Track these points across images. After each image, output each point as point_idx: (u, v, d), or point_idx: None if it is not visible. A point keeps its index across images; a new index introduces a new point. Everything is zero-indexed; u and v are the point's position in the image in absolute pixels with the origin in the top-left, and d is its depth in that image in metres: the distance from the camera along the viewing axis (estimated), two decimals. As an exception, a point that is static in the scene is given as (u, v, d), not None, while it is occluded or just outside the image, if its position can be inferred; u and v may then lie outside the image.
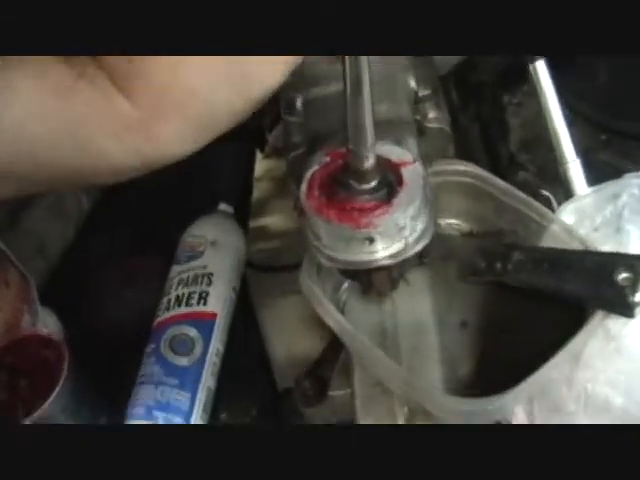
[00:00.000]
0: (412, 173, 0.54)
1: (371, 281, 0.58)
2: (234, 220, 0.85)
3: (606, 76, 0.79)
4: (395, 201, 0.52)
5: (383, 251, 0.53)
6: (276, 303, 0.90)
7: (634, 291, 0.53)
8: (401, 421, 0.59)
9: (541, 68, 0.69)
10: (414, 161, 0.55)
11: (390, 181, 0.53)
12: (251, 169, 0.99)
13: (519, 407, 0.61)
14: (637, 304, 0.53)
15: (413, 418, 0.59)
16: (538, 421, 0.60)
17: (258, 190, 1.05)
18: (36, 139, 0.52)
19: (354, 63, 0.46)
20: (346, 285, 0.66)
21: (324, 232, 0.53)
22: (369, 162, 0.51)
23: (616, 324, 0.57)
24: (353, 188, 0.53)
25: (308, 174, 0.56)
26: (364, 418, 0.61)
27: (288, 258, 0.91)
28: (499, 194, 0.65)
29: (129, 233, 0.91)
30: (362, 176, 0.52)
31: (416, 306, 0.65)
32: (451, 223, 0.69)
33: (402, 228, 0.52)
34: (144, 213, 0.91)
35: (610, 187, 0.63)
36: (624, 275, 0.54)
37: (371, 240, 0.52)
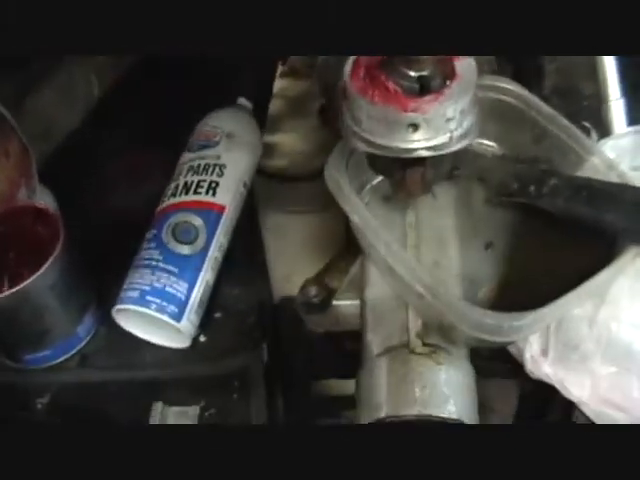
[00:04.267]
0: (466, 68, 0.51)
1: (404, 178, 0.54)
2: (252, 116, 0.81)
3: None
4: (447, 91, 0.49)
5: (425, 141, 0.50)
6: (280, 221, 0.87)
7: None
8: (413, 336, 0.56)
9: None
10: (468, 57, 0.51)
11: (441, 73, 0.50)
12: (273, 70, 0.95)
13: (535, 337, 0.58)
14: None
15: (426, 334, 0.56)
16: (551, 356, 0.58)
17: (272, 107, 1.01)
18: None
19: None
20: (369, 187, 0.63)
21: (366, 115, 0.50)
22: None
23: (647, 264, 0.54)
24: (403, 73, 0.49)
25: (352, 57, 0.52)
26: (376, 330, 0.59)
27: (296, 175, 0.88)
28: (542, 119, 0.62)
29: (141, 124, 0.87)
30: (415, 61, 0.49)
31: (440, 221, 0.63)
32: (484, 144, 0.66)
33: (449, 120, 0.49)
34: (158, 105, 0.87)
35: (656, 126, 0.60)
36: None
37: (415, 127, 0.49)
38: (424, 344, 0.56)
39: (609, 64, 0.65)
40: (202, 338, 0.71)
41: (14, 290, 0.61)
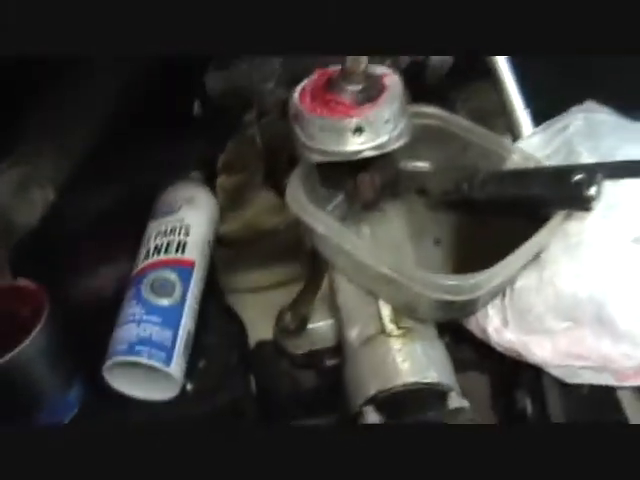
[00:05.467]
0: (392, 81, 0.61)
1: (356, 185, 0.63)
2: (206, 185, 0.90)
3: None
4: (381, 98, 0.59)
5: (370, 142, 0.59)
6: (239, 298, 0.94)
7: (589, 186, 0.60)
8: (387, 322, 0.63)
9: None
10: (393, 73, 0.62)
11: (373, 87, 0.60)
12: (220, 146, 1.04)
13: (493, 312, 0.65)
14: (592, 197, 0.60)
15: (398, 319, 0.63)
16: (511, 325, 0.65)
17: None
18: None
19: None
20: (329, 208, 0.71)
21: (318, 129, 0.59)
22: (363, 65, 0.58)
23: (574, 225, 0.63)
24: (344, 89, 0.59)
25: (299, 87, 0.62)
26: (353, 324, 0.65)
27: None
28: (462, 132, 0.72)
29: (100, 210, 0.93)
30: (353, 78, 0.59)
31: (391, 229, 0.70)
32: (417, 165, 0.75)
33: (387, 122, 0.59)
34: (119, 184, 0.94)
35: (557, 123, 0.71)
36: (579, 176, 0.61)
37: (360, 131, 0.58)
38: (398, 327, 0.62)
39: (509, 80, 0.76)
40: (189, 386, 0.75)
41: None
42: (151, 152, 0.94)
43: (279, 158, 0.86)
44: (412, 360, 0.60)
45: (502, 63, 0.76)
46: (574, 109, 0.70)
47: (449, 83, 1.00)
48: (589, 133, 0.67)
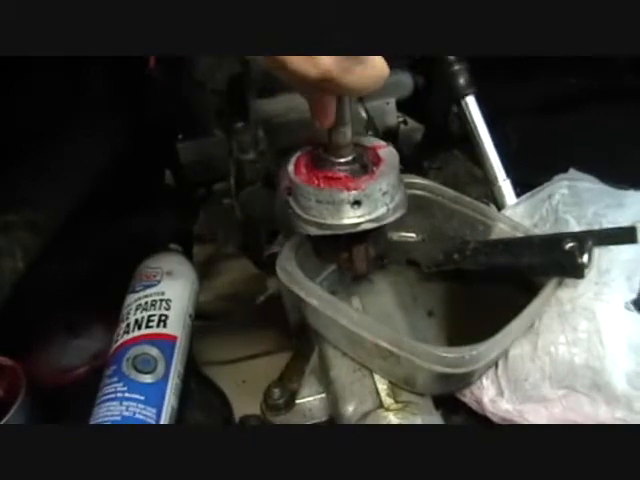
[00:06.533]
0: (387, 153, 0.61)
1: (351, 257, 0.62)
2: (185, 256, 0.88)
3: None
4: (378, 171, 0.59)
5: (368, 215, 0.58)
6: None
7: (581, 254, 0.61)
8: (384, 396, 0.62)
9: (471, 101, 0.80)
10: (387, 145, 0.62)
11: (368, 159, 0.60)
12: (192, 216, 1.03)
13: (488, 383, 0.65)
14: (585, 264, 0.61)
15: (395, 393, 0.62)
16: (506, 395, 0.64)
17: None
18: None
19: None
20: (318, 280, 0.70)
21: (314, 200, 0.58)
22: (347, 137, 0.58)
23: (566, 292, 0.64)
24: (335, 162, 0.59)
25: (293, 158, 0.62)
26: (349, 400, 0.64)
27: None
28: (448, 202, 0.72)
29: (72, 283, 0.91)
30: (341, 151, 0.59)
31: (382, 300, 0.70)
32: (403, 235, 0.75)
33: (385, 194, 0.58)
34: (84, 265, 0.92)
35: (542, 191, 0.72)
36: (571, 244, 0.62)
37: (358, 203, 0.58)
38: (396, 401, 0.61)
39: (491, 151, 0.78)
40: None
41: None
42: (124, 223, 0.93)
43: (258, 230, 0.86)
44: (413, 434, 0.58)
45: (483, 133, 0.77)
46: (557, 177, 0.72)
47: (420, 152, 1.02)
48: (574, 201, 0.69)
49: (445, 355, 0.57)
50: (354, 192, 0.57)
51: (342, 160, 0.59)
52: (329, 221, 0.58)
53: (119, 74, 0.92)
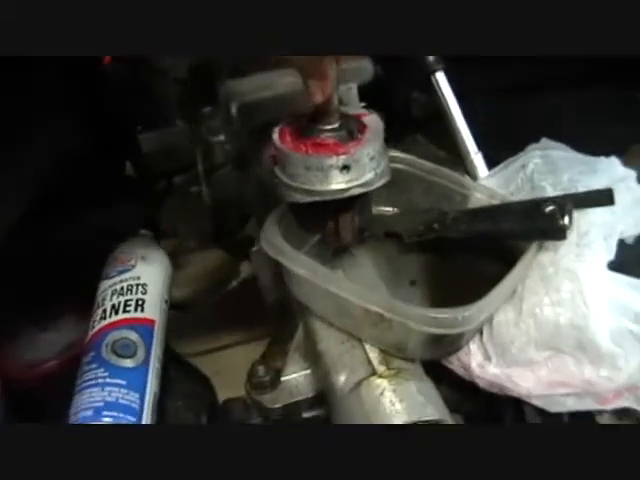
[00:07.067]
0: (372, 120, 0.61)
1: (337, 226, 0.62)
2: (156, 242, 0.87)
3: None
4: (364, 137, 0.59)
5: (357, 180, 0.58)
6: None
7: (562, 216, 0.62)
8: (376, 364, 0.62)
9: (441, 77, 0.81)
10: (370, 113, 0.62)
11: (354, 126, 0.60)
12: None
13: (475, 348, 0.65)
14: (566, 226, 0.62)
15: (387, 360, 0.62)
16: (494, 360, 0.65)
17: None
18: None
19: None
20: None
21: (302, 167, 0.58)
22: (335, 103, 0.58)
23: (547, 255, 0.65)
24: (322, 130, 0.59)
25: (276, 129, 0.61)
26: (340, 371, 0.63)
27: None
28: (426, 175, 0.73)
29: (37, 278, 0.89)
30: (328, 118, 0.59)
31: (364, 274, 0.70)
32: (381, 209, 0.76)
33: (372, 159, 0.59)
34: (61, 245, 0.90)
35: (516, 162, 0.74)
36: (551, 207, 0.63)
37: (347, 168, 0.58)
38: (388, 368, 0.61)
39: (462, 126, 0.79)
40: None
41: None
42: (87, 215, 0.91)
43: (230, 215, 0.85)
44: (409, 399, 0.59)
45: (454, 107, 0.78)
46: (530, 147, 0.73)
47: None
48: (549, 169, 0.70)
49: (439, 316, 0.57)
50: (343, 157, 0.57)
51: (329, 127, 0.59)
52: (317, 187, 0.58)
53: (71, 71, 0.91)
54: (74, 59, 0.82)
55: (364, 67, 0.99)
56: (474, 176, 0.78)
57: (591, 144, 0.74)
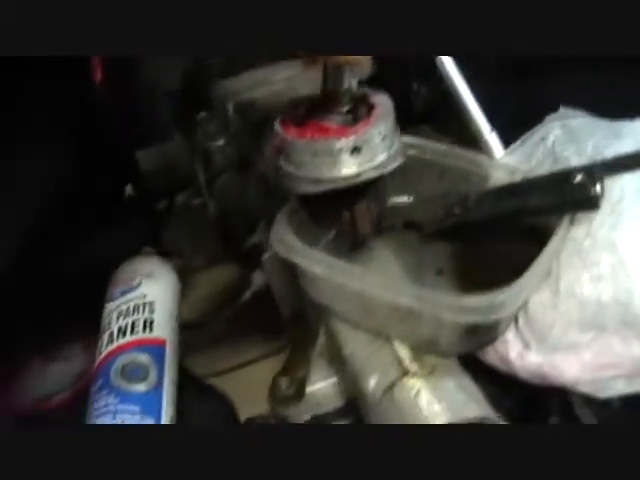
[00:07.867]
0: (380, 99, 0.57)
1: (353, 217, 0.58)
2: (162, 258, 0.82)
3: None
4: (374, 115, 0.55)
5: (369, 162, 0.54)
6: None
7: (594, 184, 0.57)
8: (408, 362, 0.57)
9: (447, 60, 0.76)
10: (378, 92, 0.58)
11: (361, 106, 0.56)
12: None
13: (512, 338, 0.60)
14: (599, 195, 0.57)
15: (419, 358, 0.58)
16: (534, 347, 0.60)
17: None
18: None
19: None
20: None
21: (310, 154, 0.54)
22: (346, 83, 0.54)
23: (581, 228, 0.60)
24: (330, 113, 0.54)
25: (278, 120, 0.57)
26: (370, 374, 0.59)
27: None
28: (438, 157, 0.68)
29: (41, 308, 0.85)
30: (339, 99, 0.54)
31: (385, 268, 0.65)
32: (395, 200, 0.71)
33: (384, 138, 0.54)
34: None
35: (534, 135, 0.69)
36: (580, 177, 0.58)
37: (358, 150, 0.53)
38: (421, 366, 0.56)
39: (473, 107, 0.74)
40: None
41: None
42: (90, 239, 0.87)
43: (236, 223, 0.81)
44: (449, 398, 0.54)
45: (463, 89, 0.74)
46: (548, 118, 0.69)
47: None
48: (570, 138, 0.66)
49: (472, 303, 0.52)
50: (352, 137, 0.53)
51: (335, 111, 0.54)
52: (327, 175, 0.54)
53: (59, 93, 0.87)
54: (62, 81, 0.81)
55: (363, 62, 0.96)
56: (490, 156, 0.73)
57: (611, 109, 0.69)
